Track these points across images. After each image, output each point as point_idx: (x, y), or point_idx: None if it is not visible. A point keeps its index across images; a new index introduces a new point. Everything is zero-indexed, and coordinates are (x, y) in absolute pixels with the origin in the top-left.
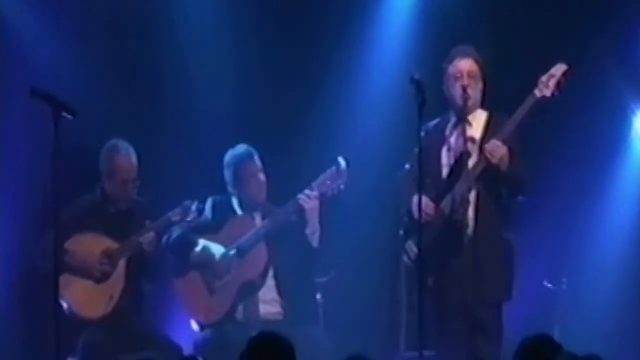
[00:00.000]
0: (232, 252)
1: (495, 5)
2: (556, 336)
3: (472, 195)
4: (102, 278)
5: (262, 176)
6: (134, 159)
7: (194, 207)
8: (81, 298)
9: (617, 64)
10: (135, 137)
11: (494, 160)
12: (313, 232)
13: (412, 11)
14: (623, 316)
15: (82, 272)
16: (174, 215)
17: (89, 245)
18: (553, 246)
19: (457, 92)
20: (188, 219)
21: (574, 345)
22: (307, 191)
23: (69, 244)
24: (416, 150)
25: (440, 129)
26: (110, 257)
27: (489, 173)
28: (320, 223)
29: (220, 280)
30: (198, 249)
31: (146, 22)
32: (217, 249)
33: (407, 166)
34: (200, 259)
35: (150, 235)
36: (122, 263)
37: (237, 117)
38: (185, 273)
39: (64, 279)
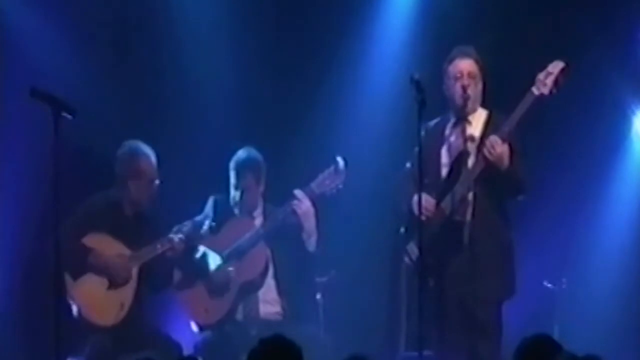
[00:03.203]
0: (229, 266)
1: (495, 6)
2: (556, 336)
3: (472, 195)
4: (119, 282)
5: (260, 187)
6: (154, 159)
7: (207, 223)
8: (92, 302)
9: (617, 64)
10: (135, 137)
11: (492, 158)
12: (309, 236)
13: (412, 11)
14: (623, 316)
15: (106, 272)
16: (186, 228)
17: (103, 247)
18: (553, 246)
19: (457, 92)
20: (200, 234)
21: (574, 345)
22: (297, 193)
23: (87, 242)
24: (416, 149)
25: (440, 129)
26: (129, 261)
27: (488, 173)
28: (317, 227)
29: (218, 293)
30: (198, 255)
31: (146, 22)
32: (213, 260)
33: (408, 165)
34: (198, 268)
35: (178, 237)
36: (134, 272)
37: (237, 116)
38: (185, 275)
39: (76, 280)
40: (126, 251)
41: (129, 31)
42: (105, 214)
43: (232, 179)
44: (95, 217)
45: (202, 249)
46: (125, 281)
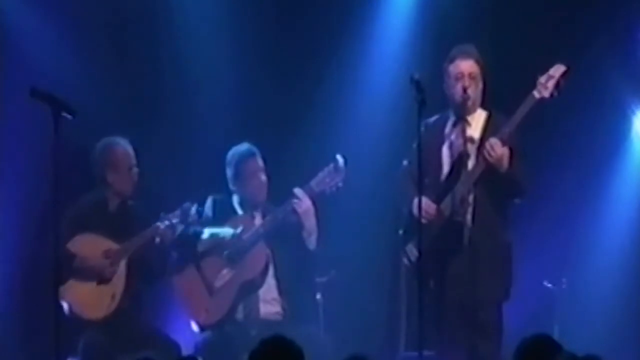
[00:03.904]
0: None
1: (495, 5)
2: (556, 336)
3: (472, 197)
4: (107, 278)
5: (263, 176)
6: (129, 147)
7: (193, 209)
8: (83, 299)
9: (617, 64)
10: (135, 137)
11: (492, 160)
12: (310, 234)
13: (412, 11)
14: (623, 316)
15: (92, 275)
16: (174, 217)
17: (91, 246)
18: (553, 246)
19: (457, 92)
20: (189, 220)
21: (574, 345)
22: (297, 191)
23: (72, 246)
24: (415, 145)
25: (440, 127)
26: (113, 256)
27: (488, 175)
28: (318, 225)
29: (234, 258)
30: (206, 236)
31: (146, 21)
32: (226, 232)
33: (405, 162)
34: (211, 243)
35: (165, 224)
36: (122, 263)
37: (237, 115)
38: (186, 273)
39: (64, 284)
40: (115, 247)
41: (129, 31)
42: (90, 215)
43: (230, 173)
44: (82, 218)
45: (208, 230)
46: (114, 273)
